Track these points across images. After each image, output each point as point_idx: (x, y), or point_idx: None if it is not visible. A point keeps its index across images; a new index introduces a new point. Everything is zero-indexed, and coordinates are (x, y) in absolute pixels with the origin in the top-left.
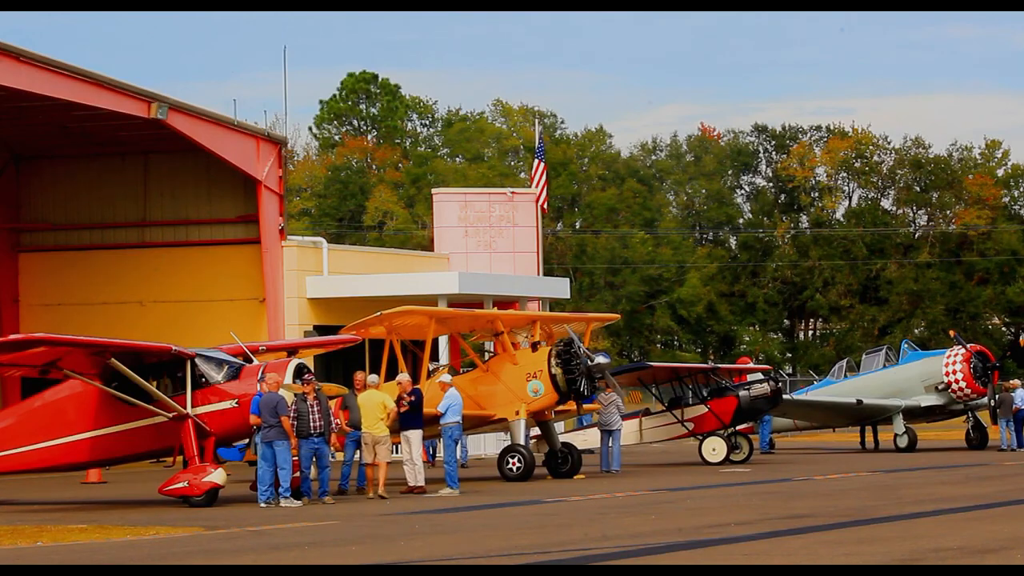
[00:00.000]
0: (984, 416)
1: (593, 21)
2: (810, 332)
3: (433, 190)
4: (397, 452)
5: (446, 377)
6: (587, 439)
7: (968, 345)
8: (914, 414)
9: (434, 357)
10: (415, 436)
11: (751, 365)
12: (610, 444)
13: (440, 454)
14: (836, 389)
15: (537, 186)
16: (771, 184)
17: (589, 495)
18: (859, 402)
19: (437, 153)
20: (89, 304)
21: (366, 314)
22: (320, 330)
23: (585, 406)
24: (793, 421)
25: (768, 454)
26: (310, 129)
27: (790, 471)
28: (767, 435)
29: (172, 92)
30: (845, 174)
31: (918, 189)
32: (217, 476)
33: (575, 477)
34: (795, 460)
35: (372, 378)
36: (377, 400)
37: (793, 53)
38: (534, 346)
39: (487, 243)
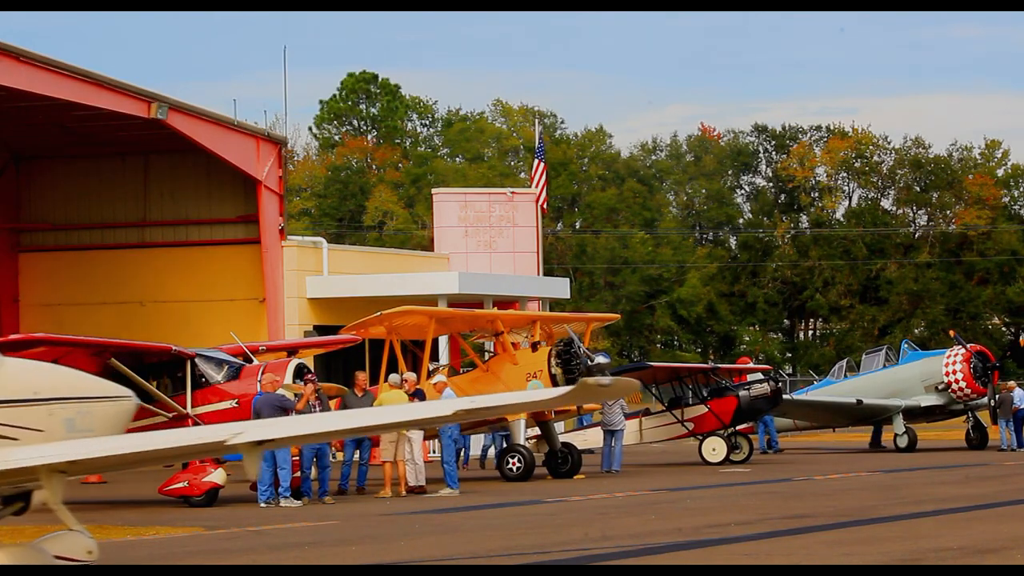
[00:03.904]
0: (984, 416)
1: (593, 21)
2: (810, 332)
3: (433, 190)
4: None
5: (440, 378)
6: (587, 439)
7: (968, 345)
8: (914, 414)
9: (434, 357)
10: (416, 436)
11: (751, 365)
12: (612, 444)
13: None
14: (836, 389)
15: (537, 186)
16: (771, 184)
17: (589, 495)
18: (859, 402)
19: (437, 153)
20: (89, 304)
21: (366, 314)
22: (320, 330)
23: (585, 406)
24: (793, 421)
25: (767, 454)
26: (310, 129)
27: (790, 471)
28: (773, 435)
29: (172, 92)
30: (845, 174)
31: (918, 189)
32: (217, 476)
33: (575, 477)
34: (795, 460)
35: (394, 377)
36: (404, 400)
37: (793, 53)
38: (534, 346)
39: (487, 243)
